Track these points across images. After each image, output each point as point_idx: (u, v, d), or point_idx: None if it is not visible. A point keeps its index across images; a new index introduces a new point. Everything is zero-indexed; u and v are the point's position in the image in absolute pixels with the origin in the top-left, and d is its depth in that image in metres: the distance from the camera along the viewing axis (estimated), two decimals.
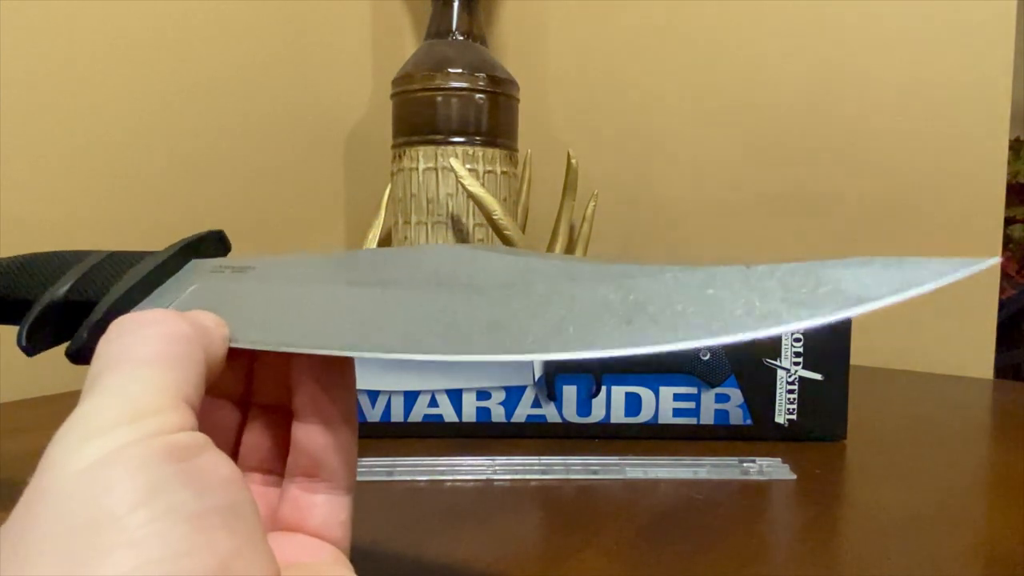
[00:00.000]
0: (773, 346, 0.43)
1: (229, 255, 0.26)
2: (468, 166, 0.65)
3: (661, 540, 0.30)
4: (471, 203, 0.65)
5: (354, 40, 0.83)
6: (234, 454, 0.22)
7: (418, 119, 0.67)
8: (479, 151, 0.66)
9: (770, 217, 0.74)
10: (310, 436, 0.21)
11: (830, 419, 0.43)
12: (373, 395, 0.43)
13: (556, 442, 0.43)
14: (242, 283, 0.22)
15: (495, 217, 0.61)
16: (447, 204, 0.67)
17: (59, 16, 0.57)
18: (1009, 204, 0.64)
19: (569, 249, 0.69)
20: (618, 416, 0.44)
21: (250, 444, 0.22)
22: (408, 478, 0.37)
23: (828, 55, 0.71)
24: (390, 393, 0.43)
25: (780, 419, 0.43)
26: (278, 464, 0.22)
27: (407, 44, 0.88)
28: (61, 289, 0.24)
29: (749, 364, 0.43)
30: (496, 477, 0.37)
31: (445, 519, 0.32)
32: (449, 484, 0.37)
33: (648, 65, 0.80)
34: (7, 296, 0.26)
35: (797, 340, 0.43)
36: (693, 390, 0.43)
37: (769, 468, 0.38)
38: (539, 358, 0.17)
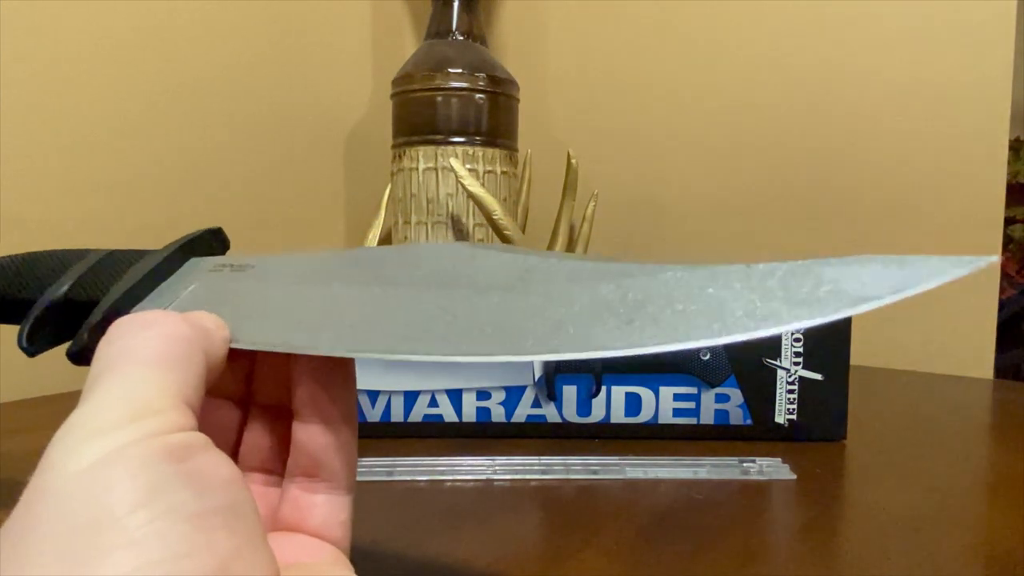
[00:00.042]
0: (773, 346, 0.43)
1: (227, 253, 0.26)
2: (468, 166, 0.65)
3: (661, 540, 0.30)
4: (471, 203, 0.65)
5: (354, 40, 0.83)
6: (234, 454, 0.22)
7: (418, 119, 0.67)
8: (479, 151, 0.66)
9: (770, 217, 0.74)
10: (310, 436, 0.21)
11: (830, 419, 0.43)
12: (373, 395, 0.43)
13: (556, 442, 0.43)
14: (241, 282, 0.22)
15: (495, 217, 0.61)
16: (447, 204, 0.67)
17: (59, 16, 0.57)
18: (1009, 204, 0.64)
19: (569, 249, 0.69)
20: (618, 416, 0.44)
21: (250, 444, 0.22)
22: (408, 478, 0.37)
23: (828, 55, 0.71)
24: (390, 393, 0.43)
25: (780, 419, 0.43)
26: (278, 464, 0.22)
27: (407, 44, 0.88)
28: (61, 289, 0.24)
29: (749, 364, 0.43)
30: (496, 477, 0.37)
31: (445, 519, 0.32)
32: (449, 484, 0.37)
33: (648, 65, 0.80)
34: (7, 296, 0.26)
35: (797, 340, 0.43)
36: (693, 390, 0.43)
37: (769, 468, 0.38)
38: (539, 358, 0.17)
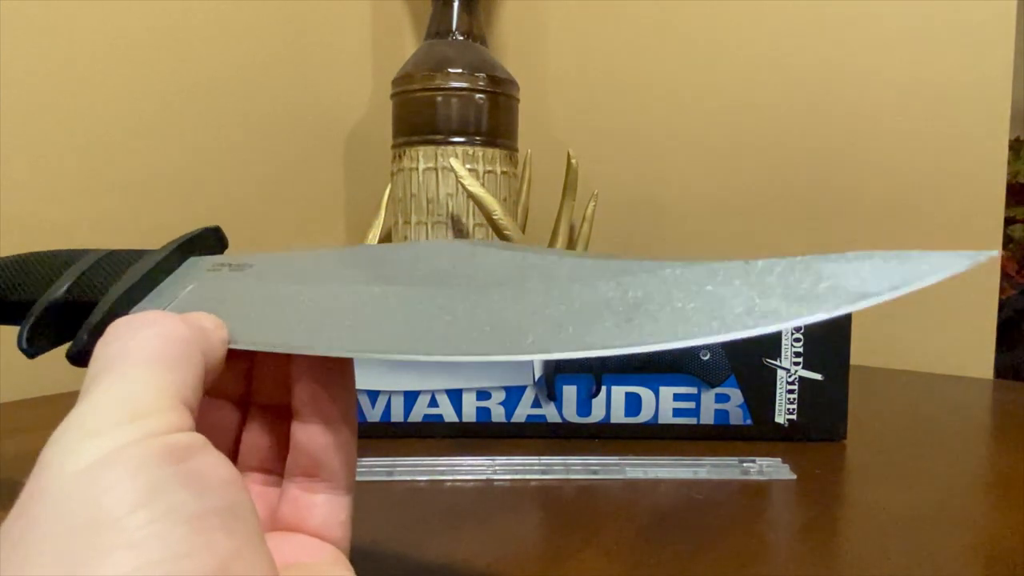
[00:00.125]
0: (773, 346, 0.43)
1: (226, 252, 0.26)
2: (468, 166, 0.65)
3: (661, 540, 0.30)
4: (471, 203, 0.65)
5: (354, 40, 0.83)
6: (234, 454, 0.22)
7: (418, 119, 0.67)
8: (479, 151, 0.66)
9: (770, 217, 0.74)
10: (310, 436, 0.21)
11: (830, 419, 0.43)
12: (373, 395, 0.43)
13: (556, 442, 0.43)
14: (240, 281, 0.22)
15: (495, 217, 0.61)
16: (447, 204, 0.67)
17: (58, 16, 0.57)
18: (1009, 204, 0.64)
19: (569, 249, 0.69)
20: (618, 416, 0.44)
21: (250, 444, 0.22)
22: (408, 478, 0.37)
23: (828, 55, 0.71)
24: (390, 393, 0.43)
25: (780, 419, 0.43)
26: (278, 464, 0.22)
27: (407, 44, 0.88)
28: (60, 290, 0.24)
29: (749, 364, 0.43)
30: (496, 477, 0.37)
31: (445, 519, 0.32)
32: (449, 484, 0.36)
33: (648, 65, 0.80)
34: (6, 296, 0.26)
35: (797, 340, 0.43)
36: (693, 390, 0.43)
37: (769, 468, 0.38)
38: (538, 358, 0.17)
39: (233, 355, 0.20)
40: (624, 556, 0.29)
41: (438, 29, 0.69)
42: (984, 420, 0.54)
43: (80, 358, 0.22)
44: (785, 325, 0.16)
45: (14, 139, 0.55)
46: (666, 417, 0.43)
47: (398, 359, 0.18)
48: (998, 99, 0.64)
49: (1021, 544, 0.30)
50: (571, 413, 0.44)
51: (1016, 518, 0.33)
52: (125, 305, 0.22)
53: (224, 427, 0.22)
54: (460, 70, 0.66)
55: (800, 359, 0.43)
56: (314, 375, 0.21)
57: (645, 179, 0.80)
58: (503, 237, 0.62)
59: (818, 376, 0.43)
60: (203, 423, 0.18)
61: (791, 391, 0.43)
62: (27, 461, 0.15)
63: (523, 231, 0.70)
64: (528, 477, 0.37)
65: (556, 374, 0.43)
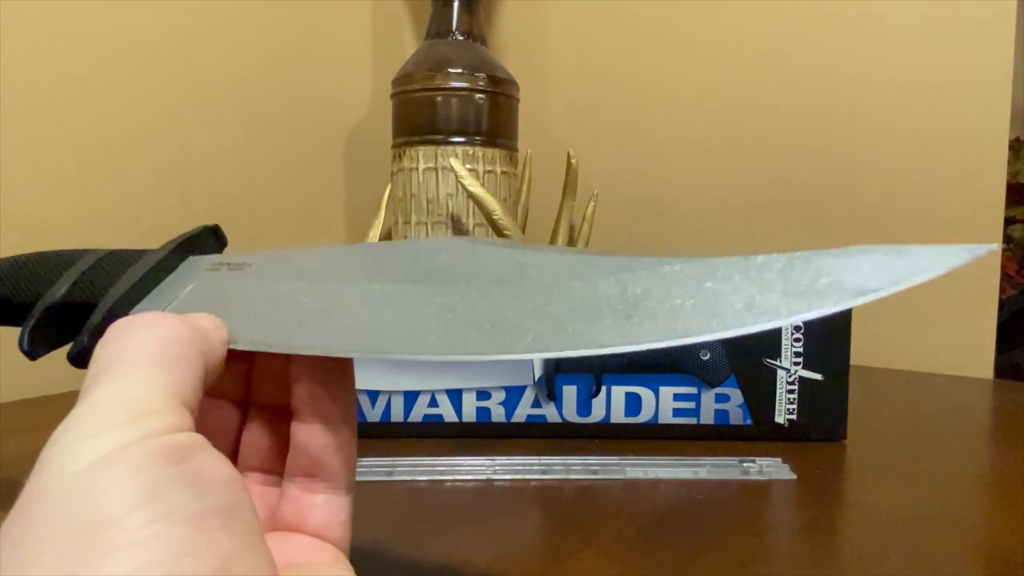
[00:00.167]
0: (773, 346, 0.43)
1: (225, 251, 0.26)
2: (468, 166, 0.65)
3: (661, 540, 0.30)
4: (471, 203, 0.65)
5: (354, 40, 0.83)
6: (234, 454, 0.22)
7: (418, 119, 0.67)
8: (479, 151, 0.66)
9: (770, 217, 0.74)
10: (310, 436, 0.21)
11: (830, 419, 0.43)
12: (373, 395, 0.43)
13: (556, 442, 0.43)
14: (240, 280, 0.22)
15: (495, 217, 0.61)
16: (447, 204, 0.67)
17: (59, 16, 0.57)
18: (1009, 204, 0.64)
19: None
20: (618, 416, 0.44)
21: (249, 444, 0.22)
22: (408, 478, 0.37)
23: (828, 55, 0.70)
24: (390, 393, 0.43)
25: (780, 419, 0.43)
26: (278, 464, 0.22)
27: (407, 44, 0.87)
28: (59, 291, 0.24)
29: (749, 364, 0.43)
30: (496, 477, 0.37)
31: (445, 519, 0.32)
32: (449, 484, 0.36)
33: (648, 65, 0.80)
34: (6, 297, 0.26)
35: (797, 340, 0.43)
36: (693, 390, 0.43)
37: (769, 468, 0.38)
38: (538, 356, 0.17)
39: (233, 355, 0.20)
40: (624, 556, 0.29)
41: (438, 29, 0.69)
42: (984, 420, 0.54)
43: (81, 359, 0.22)
44: (785, 321, 0.16)
45: (15, 139, 0.55)
46: (666, 417, 0.43)
47: (398, 359, 0.18)
48: (998, 99, 0.64)
49: (1021, 544, 0.30)
50: (571, 413, 0.44)
51: (1016, 518, 0.33)
52: (125, 306, 0.22)
53: (224, 427, 0.22)
54: (460, 70, 0.66)
55: (800, 359, 0.43)
56: (314, 375, 0.21)
57: (645, 179, 0.80)
58: (503, 237, 0.62)
59: (818, 376, 0.43)
60: (203, 423, 0.18)
61: (791, 391, 0.43)
62: (27, 461, 0.15)
63: (523, 231, 0.70)
64: (528, 477, 0.37)
65: (556, 374, 0.43)
